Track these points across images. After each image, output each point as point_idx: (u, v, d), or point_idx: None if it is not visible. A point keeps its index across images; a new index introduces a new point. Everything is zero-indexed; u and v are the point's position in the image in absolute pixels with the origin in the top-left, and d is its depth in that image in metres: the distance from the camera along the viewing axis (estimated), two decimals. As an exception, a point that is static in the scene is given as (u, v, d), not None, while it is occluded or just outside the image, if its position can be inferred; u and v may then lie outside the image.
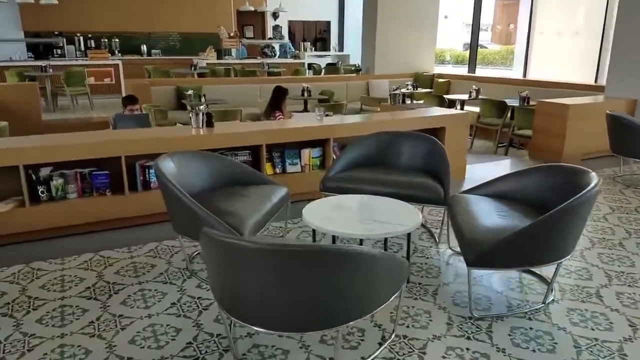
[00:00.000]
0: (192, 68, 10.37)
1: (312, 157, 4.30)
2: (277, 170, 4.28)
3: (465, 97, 8.30)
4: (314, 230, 2.94)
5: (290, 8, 13.68)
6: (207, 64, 11.81)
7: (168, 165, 2.97)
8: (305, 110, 8.63)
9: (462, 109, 8.22)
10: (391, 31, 10.10)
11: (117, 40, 13.12)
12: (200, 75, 10.66)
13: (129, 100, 5.10)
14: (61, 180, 3.52)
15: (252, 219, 2.77)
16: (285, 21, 15.89)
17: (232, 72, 11.39)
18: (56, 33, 12.46)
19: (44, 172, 3.48)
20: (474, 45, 11.10)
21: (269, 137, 4.14)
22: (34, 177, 3.44)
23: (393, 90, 6.01)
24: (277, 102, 5.37)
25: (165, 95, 8.35)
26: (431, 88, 9.95)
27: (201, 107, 4.07)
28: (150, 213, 3.75)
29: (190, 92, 7.70)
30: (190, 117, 4.04)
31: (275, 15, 15.59)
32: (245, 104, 8.96)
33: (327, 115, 4.49)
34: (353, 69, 10.30)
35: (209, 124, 4.07)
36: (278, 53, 14.13)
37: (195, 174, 3.18)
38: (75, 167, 3.57)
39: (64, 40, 11.83)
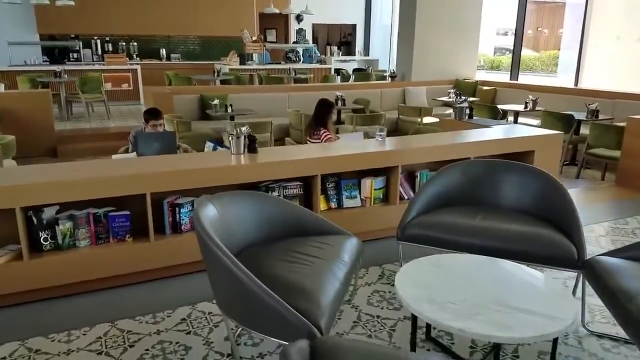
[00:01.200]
0: (215, 74, 9.66)
1: (375, 189, 3.52)
2: (332, 205, 3.50)
3: (519, 107, 7.45)
4: (414, 317, 2.12)
5: (314, 11, 12.92)
6: (229, 69, 11.11)
7: (209, 214, 2.20)
8: (339, 121, 7.85)
9: (516, 121, 7.38)
10: (430, 35, 9.30)
11: (136, 43, 12.50)
12: (223, 82, 9.96)
13: (152, 114, 4.37)
14: (70, 223, 2.77)
15: (326, 297, 1.98)
16: (309, 24, 15.16)
17: (257, 79, 10.68)
18: (72, 36, 11.88)
19: (49, 213, 2.73)
20: (517, 51, 10.24)
21: (325, 165, 3.35)
22: (35, 220, 2.69)
23: (459, 103, 5.19)
24: (322, 117, 4.60)
25: (188, 104, 7.64)
26: (474, 96, 9.11)
27: (242, 128, 3.30)
28: (180, 263, 2.99)
29: (216, 101, 7.00)
30: (230, 141, 3.29)
31: (299, 18, 14.85)
32: (274, 113, 8.23)
33: (380, 133, 3.69)
34: (388, 74, 9.49)
35: (252, 148, 3.31)
36: (302, 58, 13.39)
37: (243, 222, 2.41)
38: (87, 206, 2.83)
39: (80, 43, 11.22)
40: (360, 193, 3.52)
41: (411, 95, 9.24)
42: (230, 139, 3.28)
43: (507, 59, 16.11)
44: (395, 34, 14.66)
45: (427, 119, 8.13)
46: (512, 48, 17.18)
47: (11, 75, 9.19)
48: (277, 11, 12.00)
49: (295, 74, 10.35)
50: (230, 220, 2.30)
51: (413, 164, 3.64)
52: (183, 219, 2.99)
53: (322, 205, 3.40)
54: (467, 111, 4.90)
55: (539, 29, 22.97)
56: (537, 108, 7.26)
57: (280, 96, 8.42)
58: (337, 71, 12.91)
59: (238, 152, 3.27)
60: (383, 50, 15.44)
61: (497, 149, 3.79)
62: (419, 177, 3.62)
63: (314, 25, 15.32)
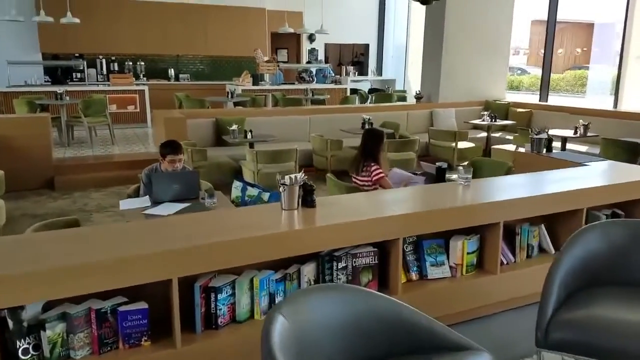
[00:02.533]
0: (229, 96, 9.00)
1: (467, 253, 2.73)
2: (413, 276, 2.69)
3: (568, 133, 6.74)
4: None
5: (327, 30, 12.34)
6: (242, 90, 10.47)
7: (279, 334, 1.43)
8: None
9: (564, 148, 6.66)
10: (459, 53, 8.67)
11: (143, 63, 11.90)
12: (236, 104, 9.31)
13: (171, 148, 3.64)
14: (62, 325, 1.95)
15: None
16: (321, 44, 14.62)
17: (271, 100, 10.02)
18: (76, 55, 11.28)
19: (31, 311, 1.93)
20: (546, 71, 9.56)
21: (409, 225, 2.57)
22: (10, 323, 1.88)
23: (536, 134, 4.46)
24: (372, 150, 3.87)
25: (202, 129, 6.96)
26: (506, 119, 8.43)
27: (297, 176, 2.56)
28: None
29: (234, 127, 6.30)
30: (281, 195, 2.55)
31: (311, 38, 14.32)
32: (294, 138, 7.54)
33: (465, 176, 2.93)
34: (414, 95, 8.83)
35: (308, 202, 2.55)
36: (316, 78, 12.79)
37: (326, 337, 1.63)
38: (87, 298, 2.02)
39: (84, 63, 10.59)
40: (448, 258, 2.74)
41: (440, 118, 8.57)
42: (281, 190, 2.53)
43: (527, 79, 15.54)
44: (411, 53, 14.17)
45: (462, 144, 7.44)
46: (522, 67, 16.51)
47: (9, 97, 8.53)
48: (291, 31, 11.43)
49: (312, 95, 9.69)
50: (307, 336, 1.53)
51: (515, 220, 2.86)
52: (220, 309, 2.20)
53: (401, 277, 2.63)
54: (545, 144, 4.17)
55: (559, 50, 22.53)
56: (589, 134, 6.57)
57: (300, 119, 7.75)
58: (354, 91, 12.30)
59: (291, 206, 2.52)
60: (396, 69, 14.87)
61: (620, 194, 3.02)
62: (519, 234, 2.86)
63: (326, 45, 14.78)
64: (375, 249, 2.53)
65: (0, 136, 5.94)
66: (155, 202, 3.32)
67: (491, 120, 7.90)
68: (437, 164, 3.88)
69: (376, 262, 2.52)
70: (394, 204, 2.84)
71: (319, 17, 12.05)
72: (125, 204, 3.31)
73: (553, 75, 17.69)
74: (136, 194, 3.72)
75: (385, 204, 2.87)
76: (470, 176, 2.93)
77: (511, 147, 7.08)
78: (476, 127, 8.46)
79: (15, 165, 6.00)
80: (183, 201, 3.37)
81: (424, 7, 12.27)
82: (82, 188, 6.28)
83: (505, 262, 2.84)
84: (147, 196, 3.46)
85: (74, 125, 8.12)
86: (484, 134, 8.28)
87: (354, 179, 3.90)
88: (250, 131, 6.31)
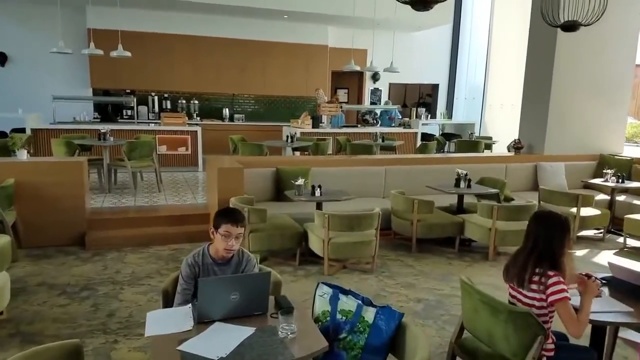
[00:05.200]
0: (289, 140, 7.88)
1: None
2: None
3: None
4: None
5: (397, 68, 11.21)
6: (301, 133, 9.38)
7: None
8: (460, 209, 5.71)
9: None
10: (570, 96, 7.19)
11: (197, 102, 11.14)
12: (296, 149, 8.17)
13: (231, 217, 2.39)
14: None
15: None
16: (385, 83, 13.50)
17: (334, 145, 8.83)
18: (127, 91, 10.65)
19: None
20: None
21: None
22: None
23: None
24: (549, 250, 2.33)
25: (260, 181, 5.80)
26: (629, 179, 6.77)
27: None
28: None
29: (300, 181, 5.07)
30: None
31: (375, 77, 13.25)
32: (366, 193, 6.26)
33: None
34: (512, 144, 7.36)
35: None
36: (380, 120, 11.58)
37: None
38: None
39: (135, 99, 9.88)
40: None
41: (546, 174, 7.03)
42: None
43: (629, 127, 13.55)
44: (490, 94, 12.75)
45: (585, 211, 5.86)
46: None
47: (50, 135, 7.78)
48: (357, 69, 10.34)
49: (383, 141, 8.42)
50: None
51: None
52: None
53: None
54: None
55: None
56: None
57: (373, 171, 6.47)
58: (425, 137, 10.96)
59: None
60: (469, 112, 13.44)
61: None
62: None
63: (390, 85, 13.64)
64: None
65: (28, 182, 4.99)
66: (201, 319, 2.04)
67: (618, 181, 6.29)
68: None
69: None
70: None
71: (385, 54, 10.96)
72: (154, 325, 2.04)
73: (635, 123, 15.59)
74: (172, 292, 2.47)
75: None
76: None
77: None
78: (588, 187, 6.86)
79: (44, 218, 5.05)
80: (244, 320, 2.09)
81: (509, 45, 10.96)
82: (118, 246, 5.20)
83: None
84: (189, 306, 2.18)
85: (117, 169, 7.19)
86: (603, 197, 6.65)
87: (512, 291, 2.46)
88: (320, 187, 5.06)
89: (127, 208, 6.03)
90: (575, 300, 2.35)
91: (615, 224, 6.30)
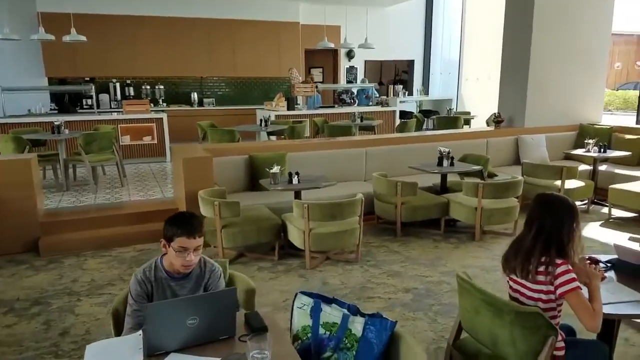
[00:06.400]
0: (263, 124, 7.42)
1: None
2: None
3: None
4: None
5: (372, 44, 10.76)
6: (275, 116, 8.93)
7: None
8: (444, 189, 5.41)
9: None
10: (548, 68, 6.92)
11: (162, 87, 10.51)
12: (271, 133, 7.74)
13: (185, 227, 1.97)
14: None
15: None
16: (360, 61, 13.05)
17: (310, 128, 8.42)
18: (86, 79, 9.96)
19: None
20: None
21: None
22: None
23: None
24: (557, 236, 2.01)
25: (232, 170, 5.38)
26: (609, 147, 6.58)
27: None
28: None
29: (275, 168, 4.67)
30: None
31: (350, 55, 12.79)
32: (348, 177, 5.93)
33: None
34: (492, 119, 7.07)
35: None
36: (358, 100, 11.18)
37: None
38: None
39: (92, 87, 9.18)
40: None
41: (528, 147, 6.79)
42: None
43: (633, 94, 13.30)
44: (465, 68, 12.44)
45: (570, 183, 5.65)
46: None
47: (0, 129, 7.14)
48: (331, 46, 9.89)
49: (362, 121, 8.04)
50: None
51: None
52: None
53: None
54: None
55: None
56: None
57: (353, 153, 6.10)
58: (403, 114, 10.63)
59: None
60: (445, 88, 13.14)
61: None
62: None
63: (365, 62, 13.21)
64: None
65: (-31, 186, 4.45)
66: (152, 352, 1.66)
67: (600, 151, 6.08)
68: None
69: None
70: None
71: (359, 31, 10.52)
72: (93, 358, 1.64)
73: (616, 92, 15.63)
74: (123, 313, 2.07)
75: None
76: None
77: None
78: (570, 158, 6.65)
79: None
80: (206, 347, 1.71)
81: (483, 16, 10.63)
82: (77, 250, 4.72)
83: None
84: (139, 333, 1.78)
85: (76, 164, 6.63)
86: (585, 167, 6.46)
87: (514, 284, 2.14)
88: (297, 173, 4.66)
89: (86, 207, 5.52)
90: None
91: (598, 194, 6.13)
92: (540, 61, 6.82)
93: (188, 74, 10.72)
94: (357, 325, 1.94)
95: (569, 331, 2.29)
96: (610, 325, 2.38)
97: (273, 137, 8.00)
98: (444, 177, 5.52)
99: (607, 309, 2.03)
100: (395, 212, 5.09)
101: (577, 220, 2.03)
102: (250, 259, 4.55)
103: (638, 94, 9.73)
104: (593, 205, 6.14)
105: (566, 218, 2.02)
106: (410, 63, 13.63)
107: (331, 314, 1.97)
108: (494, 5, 9.05)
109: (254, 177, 5.31)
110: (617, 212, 5.79)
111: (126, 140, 8.40)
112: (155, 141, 8.49)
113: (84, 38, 7.59)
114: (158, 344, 1.68)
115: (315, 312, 1.97)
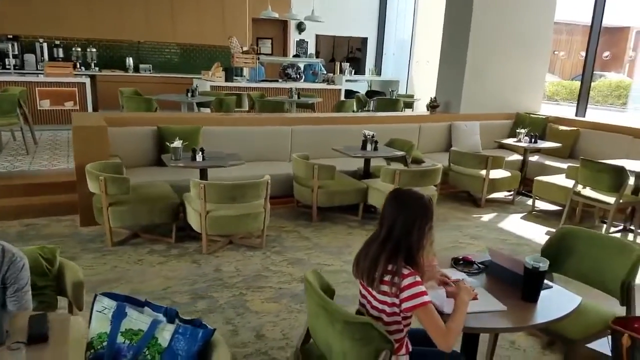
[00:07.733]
0: (189, 94, 6.98)
1: None
2: None
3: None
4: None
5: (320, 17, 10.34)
6: (211, 87, 8.47)
7: None
8: (367, 174, 5.22)
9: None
10: (488, 53, 6.77)
11: (95, 50, 9.79)
12: (202, 105, 7.32)
13: None
14: None
15: None
16: (312, 35, 12.61)
17: (247, 101, 8.03)
18: (9, 37, 9.14)
19: None
20: (586, 81, 7.59)
21: None
22: None
23: None
24: (405, 241, 1.78)
25: (137, 141, 4.98)
26: (542, 138, 6.54)
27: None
28: None
29: (176, 143, 4.33)
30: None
31: (300, 28, 12.32)
32: (270, 156, 5.65)
33: None
34: (428, 103, 6.90)
35: None
36: (304, 75, 10.79)
37: None
38: None
39: (13, 45, 8.39)
40: None
41: (461, 134, 6.67)
42: None
43: (550, 86, 13.58)
44: (417, 49, 12.22)
45: (495, 173, 5.57)
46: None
47: None
48: (275, 16, 9.42)
49: (299, 97, 7.71)
50: None
51: None
52: None
53: None
54: None
55: (555, 52, 20.87)
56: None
57: (279, 131, 5.80)
58: (349, 94, 10.35)
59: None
60: (398, 69, 12.91)
61: None
62: None
63: (317, 37, 12.78)
64: None
65: None
66: None
67: (531, 141, 6.01)
68: (530, 261, 1.96)
69: None
70: None
71: (309, 2, 10.08)
72: None
73: (563, 82, 15.87)
74: None
75: None
76: None
77: (564, 181, 5.22)
78: (503, 147, 6.58)
79: None
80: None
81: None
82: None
83: None
84: None
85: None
86: (517, 157, 6.41)
87: (363, 289, 1.91)
88: (202, 150, 4.32)
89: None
90: (437, 296, 1.88)
91: (526, 185, 6.09)
92: (480, 44, 6.64)
93: (123, 38, 10.03)
94: (165, 334, 1.67)
95: (423, 339, 2.06)
96: (474, 336, 2.19)
97: (207, 110, 7.57)
98: (367, 161, 5.32)
99: (467, 320, 1.81)
100: (312, 195, 4.86)
101: (430, 222, 1.81)
102: (144, 240, 4.23)
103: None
104: (520, 197, 6.11)
105: (418, 219, 1.79)
106: (364, 41, 13.29)
107: (137, 320, 1.70)
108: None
109: (163, 151, 4.92)
110: (541, 205, 5.76)
111: (45, 105, 7.78)
112: (78, 107, 7.89)
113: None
114: None
115: (116, 317, 1.69)
